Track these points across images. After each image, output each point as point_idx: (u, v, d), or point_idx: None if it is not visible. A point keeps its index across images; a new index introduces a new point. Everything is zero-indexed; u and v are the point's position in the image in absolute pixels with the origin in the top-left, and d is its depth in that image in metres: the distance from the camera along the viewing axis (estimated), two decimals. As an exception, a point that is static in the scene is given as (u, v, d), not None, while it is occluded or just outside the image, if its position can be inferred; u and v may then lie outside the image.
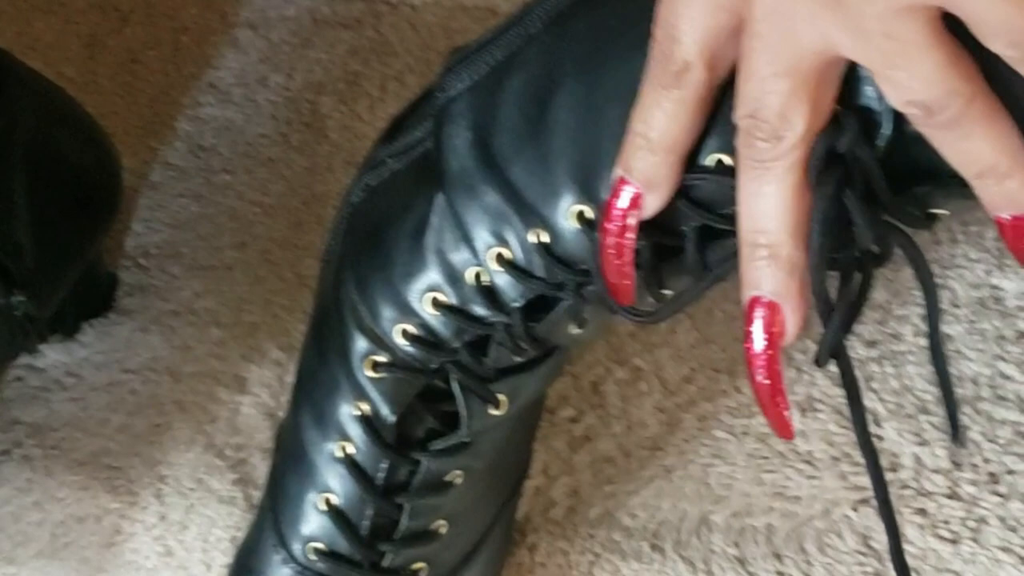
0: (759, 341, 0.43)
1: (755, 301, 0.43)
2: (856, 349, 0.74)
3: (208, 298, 0.74)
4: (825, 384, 0.73)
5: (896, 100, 0.40)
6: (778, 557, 0.69)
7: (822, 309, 0.44)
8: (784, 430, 0.45)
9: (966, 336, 0.75)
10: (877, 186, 0.43)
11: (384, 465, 0.59)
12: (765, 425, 0.71)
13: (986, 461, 0.71)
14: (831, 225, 0.42)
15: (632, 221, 0.46)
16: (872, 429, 0.72)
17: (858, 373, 0.72)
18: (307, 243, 0.77)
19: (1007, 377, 0.74)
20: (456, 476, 0.60)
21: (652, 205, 0.46)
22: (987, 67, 0.40)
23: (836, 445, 0.71)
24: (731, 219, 0.47)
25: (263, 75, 0.84)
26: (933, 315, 0.47)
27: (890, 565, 0.66)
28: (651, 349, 0.74)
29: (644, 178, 0.45)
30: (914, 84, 0.39)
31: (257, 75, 0.84)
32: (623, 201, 0.46)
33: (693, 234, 0.48)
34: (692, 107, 0.43)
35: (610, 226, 0.47)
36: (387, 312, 0.57)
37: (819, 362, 0.46)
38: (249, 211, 0.78)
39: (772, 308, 0.43)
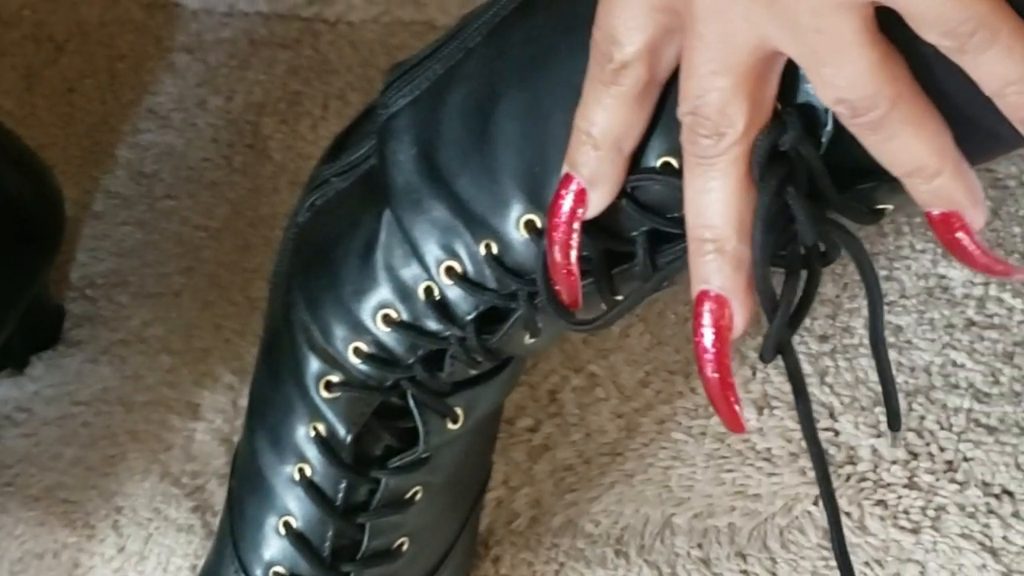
0: (708, 335, 0.43)
1: (703, 295, 0.43)
2: (809, 344, 0.75)
3: (157, 325, 0.74)
4: (780, 381, 0.73)
5: (825, 97, 0.40)
6: (742, 556, 0.69)
7: (767, 305, 0.45)
8: (734, 423, 0.45)
9: (916, 326, 0.75)
10: (822, 183, 0.43)
11: (343, 485, 0.59)
12: (723, 425, 0.71)
13: (942, 450, 0.71)
14: (774, 222, 0.43)
15: (578, 219, 0.46)
16: (828, 423, 0.72)
17: (810, 368, 0.73)
18: (255, 265, 0.77)
19: (958, 365, 0.74)
20: (416, 492, 0.60)
21: (597, 202, 0.46)
22: (919, 64, 0.40)
23: (794, 441, 0.72)
24: (680, 223, 0.47)
25: (202, 99, 0.84)
26: (875, 312, 0.47)
27: (853, 558, 0.67)
28: (606, 355, 0.74)
29: (589, 174, 0.45)
30: (841, 82, 0.39)
31: (196, 99, 0.84)
32: (568, 198, 0.46)
33: (643, 239, 0.48)
34: (633, 104, 0.44)
35: (556, 222, 0.47)
36: (339, 331, 0.57)
37: (764, 358, 0.46)
38: (195, 236, 0.78)
39: (720, 302, 0.43)
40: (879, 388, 0.72)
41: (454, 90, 0.53)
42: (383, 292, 0.55)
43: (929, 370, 0.74)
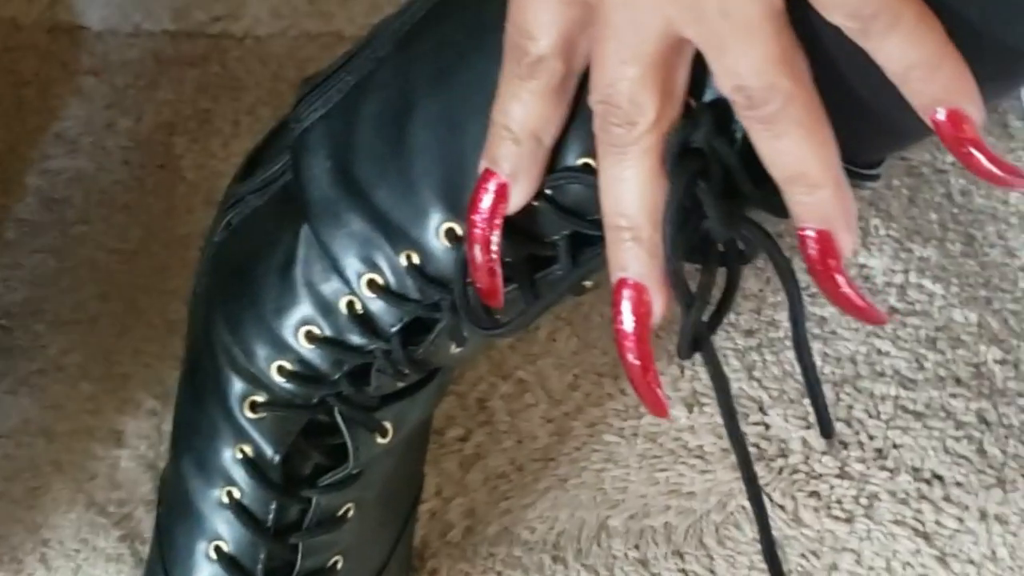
0: (628, 322, 0.44)
1: (622, 283, 0.44)
2: (735, 339, 0.75)
3: (76, 353, 0.72)
4: (707, 378, 0.73)
5: (724, 85, 0.40)
6: (679, 555, 0.69)
7: (682, 301, 0.45)
8: (658, 408, 0.45)
9: (839, 316, 0.76)
10: (738, 178, 0.43)
11: (273, 506, 0.58)
12: (655, 424, 0.72)
13: (871, 438, 0.72)
14: (685, 217, 0.43)
15: (499, 216, 0.46)
16: (758, 417, 0.73)
17: (738, 363, 0.73)
18: (173, 288, 0.75)
19: (883, 353, 0.75)
20: (348, 509, 0.59)
21: (518, 197, 0.46)
22: (826, 57, 0.40)
23: (725, 438, 0.71)
24: (600, 224, 0.47)
25: (111, 121, 0.82)
26: (796, 312, 0.47)
27: (789, 551, 0.67)
28: (533, 360, 0.74)
29: (510, 168, 0.45)
30: (742, 69, 0.39)
31: (105, 121, 0.82)
32: (489, 194, 0.46)
33: (565, 243, 0.48)
34: (550, 97, 0.44)
35: (476, 219, 0.46)
36: (261, 350, 0.56)
37: (681, 355, 0.46)
38: (110, 260, 0.76)
39: (638, 289, 0.43)
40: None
41: (367, 101, 0.52)
42: (304, 309, 0.54)
43: (854, 359, 0.74)
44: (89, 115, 0.82)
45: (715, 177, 0.42)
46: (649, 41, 0.40)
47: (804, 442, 0.71)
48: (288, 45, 0.87)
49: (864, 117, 0.43)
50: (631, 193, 0.42)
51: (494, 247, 0.47)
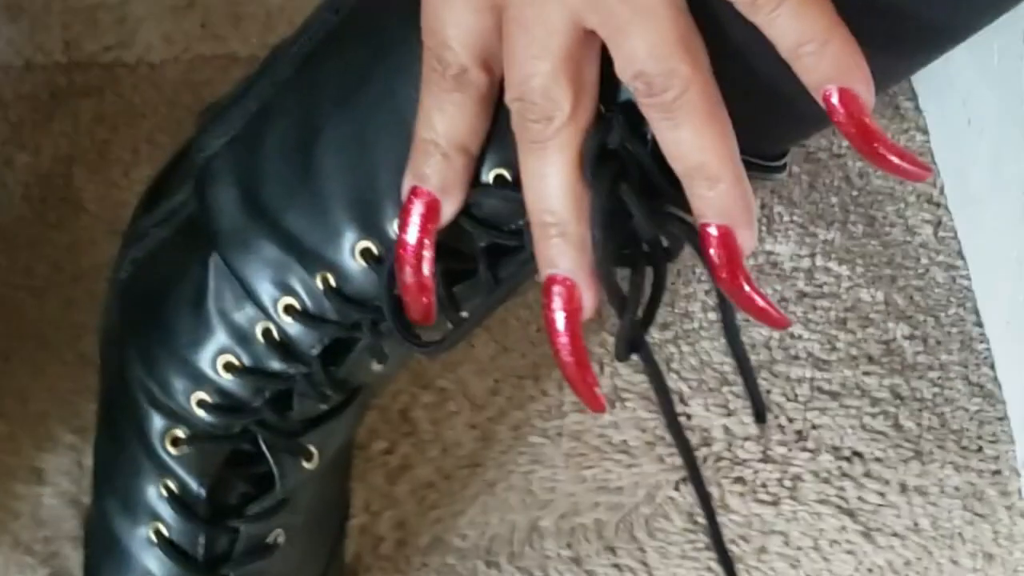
0: (560, 318, 0.44)
1: (551, 279, 0.44)
2: (651, 333, 0.75)
3: (-11, 393, 0.71)
4: (627, 373, 0.74)
5: (625, 72, 0.40)
6: (612, 550, 0.69)
7: (615, 304, 0.45)
8: (594, 403, 0.46)
9: (751, 304, 0.77)
10: (654, 178, 0.43)
11: (202, 540, 0.57)
12: (579, 423, 0.72)
13: (791, 420, 0.73)
14: (611, 220, 0.43)
15: (429, 233, 0.46)
16: (680, 408, 0.73)
17: (658, 357, 0.73)
18: (82, 321, 0.74)
19: (796, 337, 0.76)
20: (278, 536, 0.59)
21: (449, 211, 0.46)
22: (729, 42, 0.41)
23: (648, 430, 0.72)
24: (518, 234, 0.47)
25: (8, 156, 0.81)
26: (724, 302, 0.48)
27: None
28: (453, 368, 0.74)
29: (438, 182, 0.45)
30: (640, 53, 0.40)
31: (2, 157, 0.81)
32: (418, 211, 0.46)
33: (483, 254, 0.48)
34: (475, 107, 0.44)
35: (407, 239, 0.46)
36: (179, 384, 0.55)
37: (619, 357, 0.46)
38: (16, 296, 0.75)
39: (568, 285, 0.43)
40: (723, 368, 0.74)
41: (270, 126, 0.52)
42: (220, 339, 0.54)
43: (768, 345, 0.75)
44: (-15, 152, 0.81)
45: (633, 178, 0.43)
46: (557, 34, 0.40)
47: (726, 429, 0.72)
48: (182, 69, 0.87)
49: (766, 104, 0.44)
50: (554, 188, 0.42)
51: (426, 266, 0.47)
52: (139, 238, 0.59)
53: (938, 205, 0.81)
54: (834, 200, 0.81)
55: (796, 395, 0.73)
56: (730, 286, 0.43)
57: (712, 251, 0.42)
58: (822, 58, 0.39)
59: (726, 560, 0.55)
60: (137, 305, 0.58)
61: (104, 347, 0.61)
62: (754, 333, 0.76)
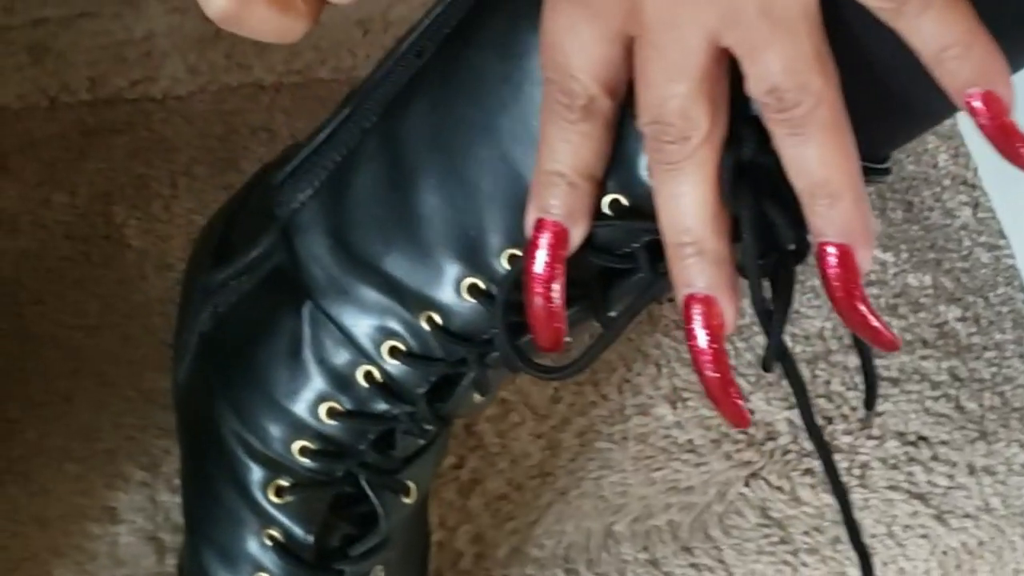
0: (702, 337, 0.44)
1: (690, 299, 0.44)
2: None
3: (55, 435, 0.71)
4: (685, 373, 0.75)
5: (757, 88, 0.40)
6: (688, 550, 0.69)
7: (762, 315, 0.45)
8: (739, 418, 0.46)
9: (799, 296, 0.77)
10: (783, 187, 0.43)
11: None
12: (643, 426, 0.72)
13: (853, 409, 0.73)
14: (760, 234, 0.43)
15: (560, 261, 0.46)
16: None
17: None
18: (140, 357, 0.74)
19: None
20: (378, 572, 0.59)
21: (577, 238, 0.46)
22: (855, 53, 0.41)
23: (712, 428, 0.73)
24: (631, 257, 0.47)
25: (45, 197, 0.81)
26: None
27: (792, 530, 0.68)
28: (512, 379, 0.74)
29: (566, 212, 0.45)
30: (775, 68, 0.40)
31: (39, 198, 0.81)
32: (546, 241, 0.45)
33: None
34: (601, 135, 0.44)
35: (535, 269, 0.46)
36: (278, 433, 0.55)
37: (767, 368, 0.47)
38: (71, 337, 0.75)
39: (708, 303, 0.43)
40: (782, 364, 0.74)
41: (359, 173, 0.52)
42: (319, 386, 0.54)
43: (823, 335, 0.76)
44: (22, 194, 0.81)
45: (767, 189, 0.43)
46: (694, 55, 0.40)
47: (790, 423, 0.73)
48: (210, 100, 0.87)
49: (887, 107, 0.44)
50: (690, 207, 0.42)
51: (556, 294, 0.46)
52: (216, 291, 0.59)
53: (974, 187, 0.82)
54: (870, 189, 0.81)
55: (856, 383, 0.74)
56: (846, 305, 0.43)
57: (829, 270, 0.42)
58: (966, 62, 0.39)
59: (863, 552, 0.55)
60: (225, 358, 0.58)
61: (184, 402, 0.61)
62: (807, 325, 0.76)
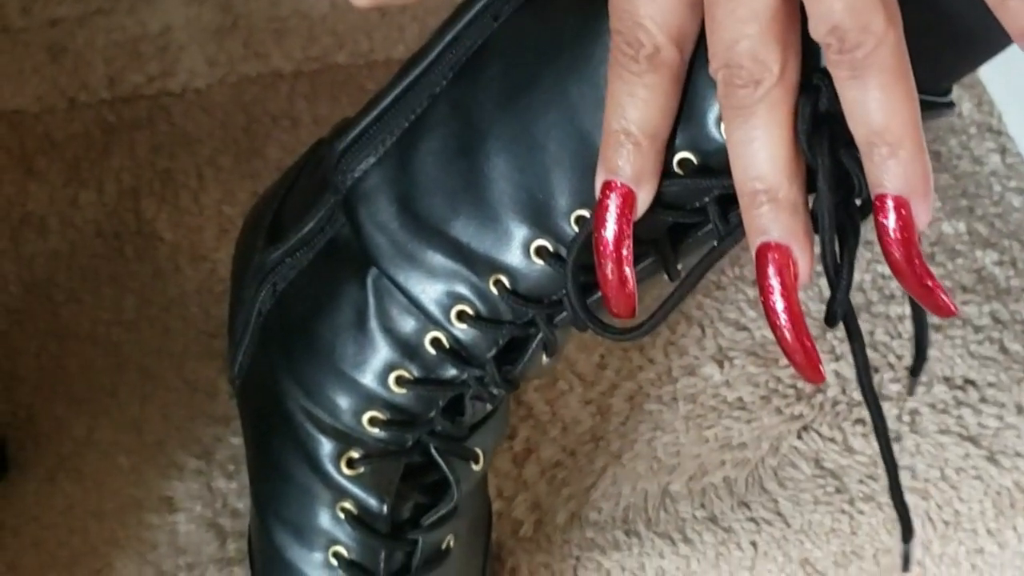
0: (776, 286, 0.43)
1: (765, 247, 0.43)
2: (745, 291, 0.76)
3: (104, 429, 0.71)
4: (730, 332, 0.75)
5: (819, 28, 0.40)
6: (745, 505, 0.70)
7: (831, 269, 0.45)
8: (814, 372, 0.44)
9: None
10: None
11: (383, 555, 0.57)
12: (691, 386, 0.72)
13: (899, 357, 0.74)
14: (836, 185, 0.43)
15: (628, 223, 0.45)
16: (786, 360, 0.74)
17: (753, 312, 0.74)
18: (181, 348, 0.74)
19: (888, 277, 0.77)
20: (449, 541, 0.59)
21: (645, 200, 0.45)
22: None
23: (761, 385, 0.73)
24: (701, 211, 0.47)
25: (72, 196, 0.81)
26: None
27: (847, 479, 0.68)
28: (558, 347, 0.74)
29: (633, 173, 0.45)
30: (837, 5, 0.39)
31: (67, 198, 0.81)
32: (614, 205, 0.45)
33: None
34: (668, 89, 0.43)
35: (605, 235, 0.45)
36: (347, 405, 0.55)
37: (830, 323, 0.46)
38: (110, 333, 0.75)
39: (782, 251, 0.42)
40: (821, 315, 0.74)
41: (426, 138, 0.52)
42: (386, 355, 0.54)
43: (862, 288, 0.76)
44: (49, 194, 0.81)
45: (844, 139, 0.42)
46: None
47: (837, 375, 0.73)
48: (229, 91, 0.87)
49: (953, 34, 0.44)
50: (763, 152, 0.42)
51: (628, 256, 0.46)
52: (273, 270, 0.59)
53: (999, 133, 0.83)
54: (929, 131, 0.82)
55: (899, 332, 0.74)
56: (903, 261, 0.42)
57: (886, 222, 0.41)
58: None
59: (902, 506, 0.55)
60: (288, 334, 0.58)
61: (247, 384, 0.60)
62: (845, 278, 0.76)
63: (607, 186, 0.45)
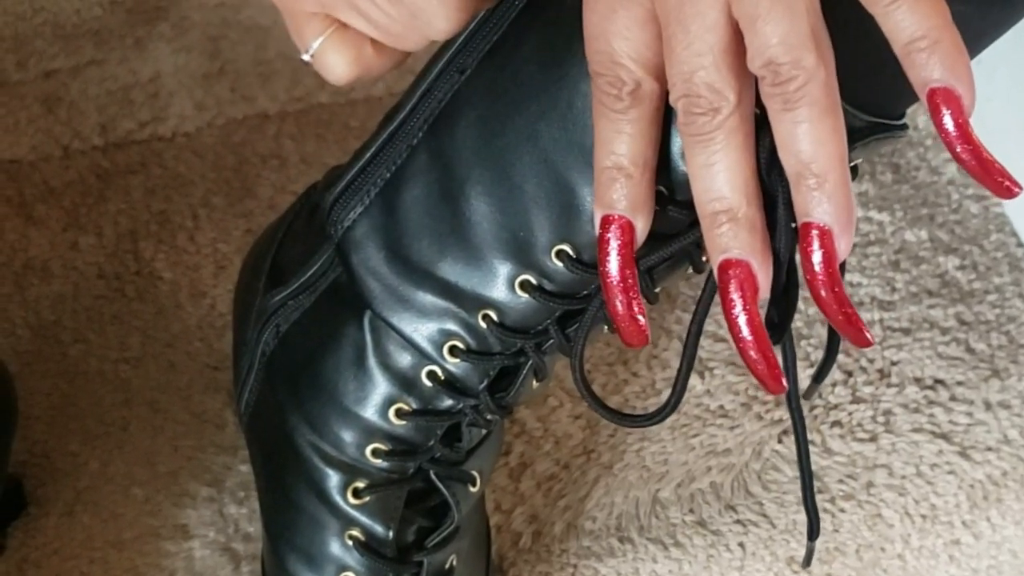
0: (737, 301, 0.45)
1: (726, 264, 0.45)
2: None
3: (117, 463, 0.74)
4: (708, 344, 0.78)
5: (755, 59, 0.42)
6: (732, 508, 0.73)
7: (784, 287, 0.47)
8: (775, 383, 0.46)
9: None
10: None
11: None
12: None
13: (871, 361, 0.77)
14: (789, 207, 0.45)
15: (631, 254, 0.47)
16: (764, 368, 0.77)
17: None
18: (187, 381, 0.77)
19: (856, 285, 0.81)
20: (453, 560, 0.62)
21: (643, 229, 0.47)
22: (855, 20, 0.43)
23: (741, 393, 0.77)
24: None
25: (72, 241, 0.84)
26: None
27: (827, 479, 0.72)
28: (546, 366, 0.78)
29: (629, 204, 0.46)
30: (772, 40, 0.41)
31: (67, 243, 0.84)
32: (615, 238, 0.47)
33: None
34: (652, 118, 0.46)
35: (609, 270, 0.47)
36: (351, 439, 0.59)
37: (775, 340, 0.49)
38: (117, 370, 0.78)
39: (743, 266, 0.45)
40: (796, 323, 0.78)
41: (409, 187, 0.55)
42: (385, 390, 0.58)
43: (833, 296, 0.80)
44: (50, 240, 0.84)
45: None
46: (714, 28, 0.42)
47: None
48: (218, 134, 0.90)
49: (893, 61, 0.47)
50: (723, 175, 0.44)
51: (634, 285, 0.47)
52: (276, 312, 0.62)
53: (956, 144, 0.86)
54: (887, 148, 0.86)
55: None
56: (825, 289, 0.44)
57: (811, 250, 0.43)
58: (933, 56, 0.41)
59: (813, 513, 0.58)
60: (293, 373, 0.61)
61: (254, 421, 0.64)
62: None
63: (606, 220, 0.47)
